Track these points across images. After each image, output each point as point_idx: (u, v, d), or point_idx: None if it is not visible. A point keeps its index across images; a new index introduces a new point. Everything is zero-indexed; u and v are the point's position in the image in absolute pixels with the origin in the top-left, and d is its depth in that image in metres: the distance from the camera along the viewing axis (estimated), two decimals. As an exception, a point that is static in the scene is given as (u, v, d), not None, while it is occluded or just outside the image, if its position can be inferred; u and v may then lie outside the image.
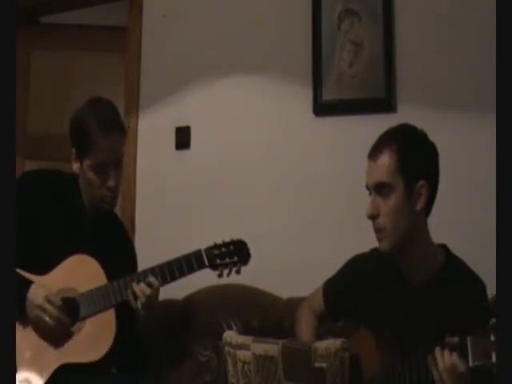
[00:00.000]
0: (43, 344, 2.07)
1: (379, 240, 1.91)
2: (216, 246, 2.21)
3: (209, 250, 2.20)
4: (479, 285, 1.89)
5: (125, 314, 2.14)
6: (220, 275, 2.20)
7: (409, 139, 1.92)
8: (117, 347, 2.09)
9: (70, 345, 2.07)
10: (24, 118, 3.62)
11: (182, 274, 2.17)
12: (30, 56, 3.70)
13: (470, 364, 1.56)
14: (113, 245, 2.26)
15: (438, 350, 1.64)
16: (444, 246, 1.97)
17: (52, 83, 3.73)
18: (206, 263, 2.19)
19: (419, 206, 1.88)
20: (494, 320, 1.51)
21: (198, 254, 2.19)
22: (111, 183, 2.17)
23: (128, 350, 2.23)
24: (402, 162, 1.87)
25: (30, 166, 3.50)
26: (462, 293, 1.85)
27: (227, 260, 2.20)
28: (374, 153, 1.91)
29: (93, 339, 2.08)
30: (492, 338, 1.51)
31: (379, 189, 1.89)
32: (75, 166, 2.21)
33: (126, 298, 2.12)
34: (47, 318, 2.05)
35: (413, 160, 1.89)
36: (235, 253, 2.21)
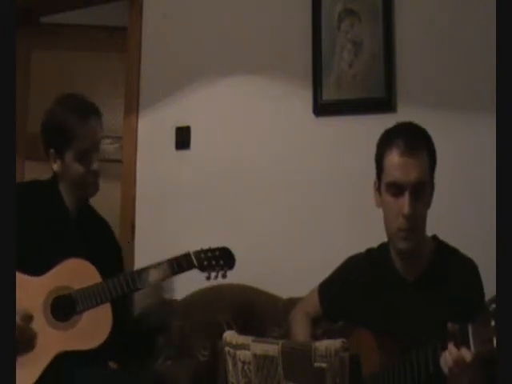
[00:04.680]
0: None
1: (404, 239, 1.85)
2: (203, 251, 2.27)
3: (197, 253, 2.27)
4: (468, 265, 1.90)
5: (120, 309, 2.18)
6: (208, 277, 2.26)
7: (429, 136, 1.92)
8: (114, 340, 2.12)
9: (68, 335, 2.11)
10: (24, 118, 3.62)
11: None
12: (30, 56, 3.70)
13: (472, 350, 1.56)
14: (98, 244, 2.31)
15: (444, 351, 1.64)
16: (433, 237, 1.97)
17: (52, 83, 3.71)
18: (196, 263, 2.24)
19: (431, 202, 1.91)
20: (493, 306, 1.50)
21: (187, 255, 2.25)
22: (95, 166, 2.26)
23: (126, 346, 2.30)
24: (431, 161, 1.87)
25: (30, 165, 3.50)
26: (455, 282, 1.86)
27: (214, 263, 2.26)
28: (410, 149, 1.83)
29: (91, 328, 2.13)
30: (492, 323, 1.51)
31: (417, 188, 1.83)
32: (55, 166, 2.28)
33: (122, 292, 2.16)
34: None
35: (434, 157, 1.90)
36: (221, 257, 2.28)
